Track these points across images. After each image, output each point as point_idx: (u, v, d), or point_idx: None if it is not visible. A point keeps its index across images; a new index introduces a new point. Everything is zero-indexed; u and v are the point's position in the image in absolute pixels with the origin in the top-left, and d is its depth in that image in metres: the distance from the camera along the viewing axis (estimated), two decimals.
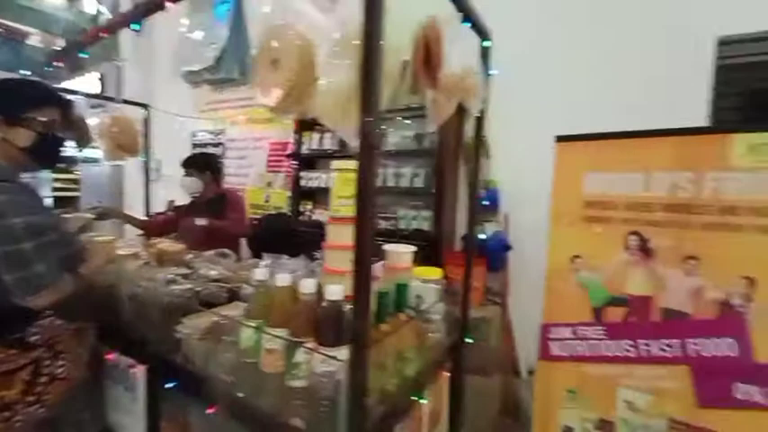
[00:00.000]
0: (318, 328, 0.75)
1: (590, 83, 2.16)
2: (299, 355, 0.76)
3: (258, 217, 3.02)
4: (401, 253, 1.15)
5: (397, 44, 0.73)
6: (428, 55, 0.79)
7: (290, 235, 2.35)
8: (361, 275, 0.63)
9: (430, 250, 2.40)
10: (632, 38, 2.04)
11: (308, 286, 0.80)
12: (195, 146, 3.91)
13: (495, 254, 2.39)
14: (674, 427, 1.36)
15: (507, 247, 2.39)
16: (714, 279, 1.28)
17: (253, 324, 0.83)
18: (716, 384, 1.28)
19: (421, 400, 0.98)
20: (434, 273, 1.14)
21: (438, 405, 1.16)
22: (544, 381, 1.63)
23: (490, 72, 1.14)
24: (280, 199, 3.25)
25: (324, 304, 0.76)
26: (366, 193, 0.61)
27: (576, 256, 1.55)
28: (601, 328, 1.49)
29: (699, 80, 1.91)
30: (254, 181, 3.41)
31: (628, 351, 1.43)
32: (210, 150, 3.63)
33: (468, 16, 1.02)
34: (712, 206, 1.28)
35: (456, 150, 2.49)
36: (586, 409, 1.52)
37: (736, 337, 1.26)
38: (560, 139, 1.58)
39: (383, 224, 2.64)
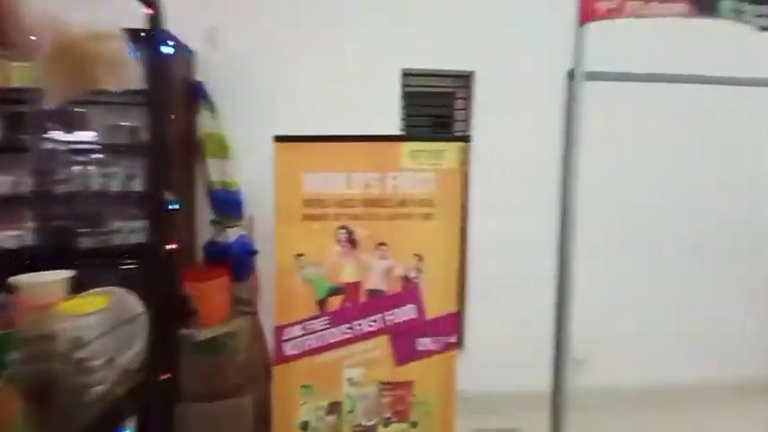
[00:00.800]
0: None
1: (315, 92, 2.32)
2: None
3: None
4: (42, 284, 0.84)
5: None
6: None
7: None
8: None
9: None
10: (346, 62, 2.32)
11: None
12: None
13: (240, 260, 2.24)
14: (383, 388, 1.60)
15: (253, 252, 2.28)
16: (398, 259, 1.58)
17: None
18: (405, 344, 1.59)
19: None
20: (98, 302, 0.88)
21: None
22: (281, 383, 1.61)
23: (163, 49, 0.97)
24: None
25: None
26: None
27: (300, 254, 1.59)
28: (325, 318, 1.59)
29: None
30: None
31: (346, 333, 1.59)
32: None
33: None
34: (393, 200, 1.57)
35: (186, 147, 2.18)
36: (318, 398, 1.60)
37: (415, 303, 1.59)
38: (278, 139, 1.59)
39: (86, 242, 2.01)
